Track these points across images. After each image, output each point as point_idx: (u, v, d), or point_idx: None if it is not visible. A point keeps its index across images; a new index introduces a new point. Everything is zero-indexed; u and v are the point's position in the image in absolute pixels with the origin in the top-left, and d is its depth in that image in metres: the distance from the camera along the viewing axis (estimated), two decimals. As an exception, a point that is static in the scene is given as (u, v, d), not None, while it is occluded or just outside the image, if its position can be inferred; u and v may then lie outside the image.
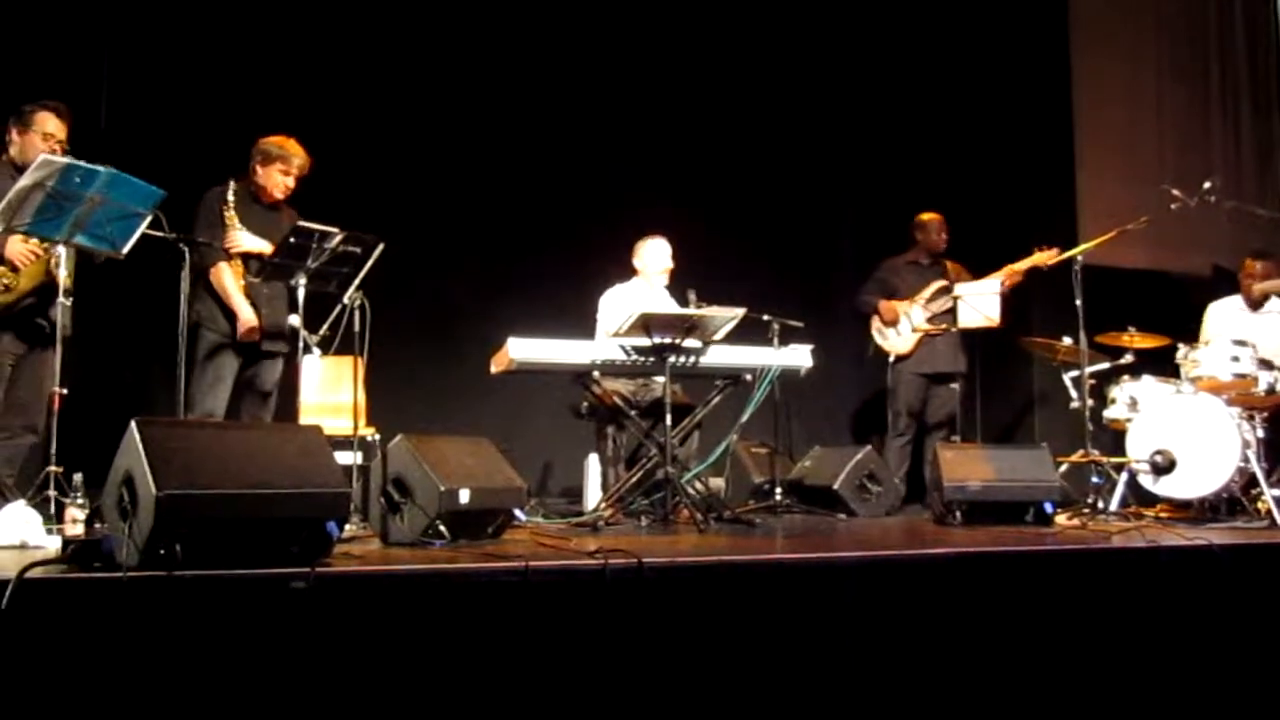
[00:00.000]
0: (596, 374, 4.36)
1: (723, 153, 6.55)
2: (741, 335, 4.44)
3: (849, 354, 5.97)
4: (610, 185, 6.19)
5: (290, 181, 4.32)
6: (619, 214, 5.83)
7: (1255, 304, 5.53)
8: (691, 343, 4.32)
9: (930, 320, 5.65)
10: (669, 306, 4.90)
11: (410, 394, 5.62)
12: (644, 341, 4.24)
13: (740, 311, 4.26)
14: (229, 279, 4.19)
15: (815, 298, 5.92)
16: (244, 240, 4.20)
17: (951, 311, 5.60)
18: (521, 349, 4.16)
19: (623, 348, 4.28)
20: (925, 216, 5.83)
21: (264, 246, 4.18)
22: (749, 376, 4.46)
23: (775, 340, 4.63)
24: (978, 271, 5.65)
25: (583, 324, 4.98)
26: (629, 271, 5.11)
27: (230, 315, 4.22)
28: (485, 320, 5.18)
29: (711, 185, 6.45)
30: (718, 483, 5.08)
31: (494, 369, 4.34)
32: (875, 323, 5.78)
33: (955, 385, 5.69)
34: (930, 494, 4.72)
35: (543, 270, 5.91)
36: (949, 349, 5.68)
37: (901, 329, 5.69)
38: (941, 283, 5.69)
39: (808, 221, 6.79)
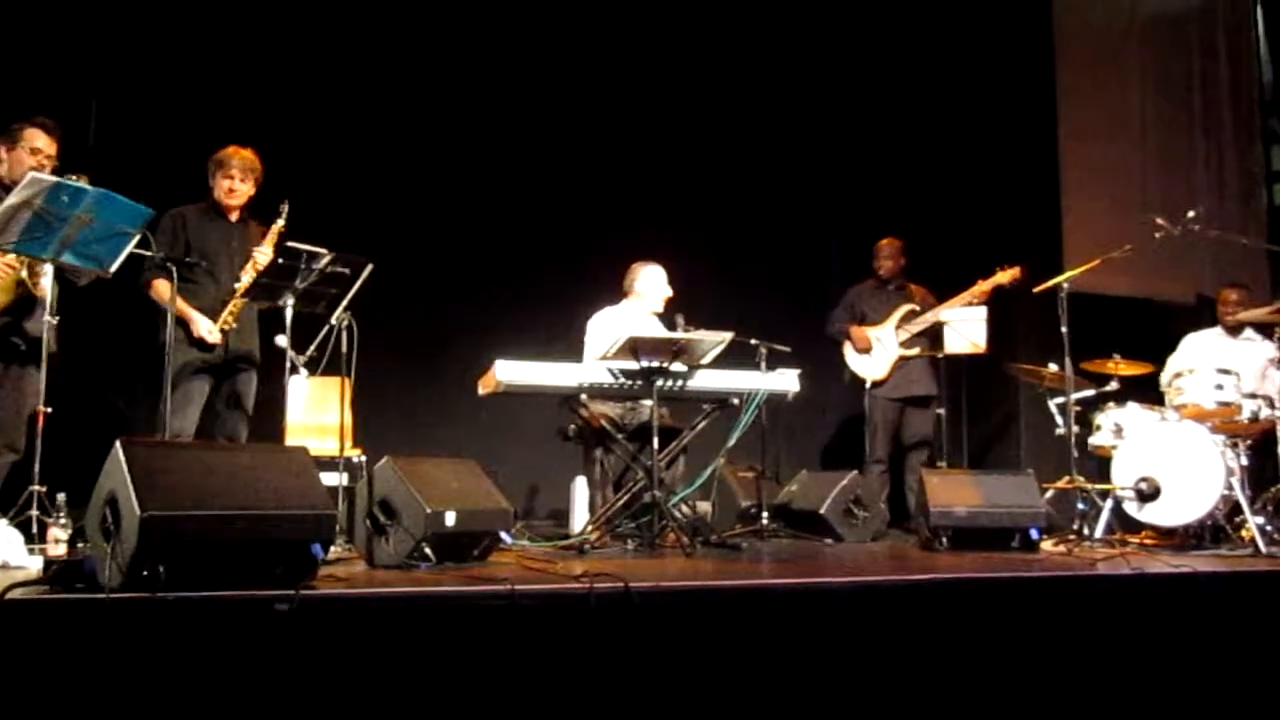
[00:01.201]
0: (584, 397, 4.36)
1: (711, 176, 6.59)
2: (729, 359, 4.45)
3: (837, 378, 5.98)
4: (599, 208, 6.21)
5: (237, 185, 4.29)
6: (607, 237, 5.85)
7: (1233, 331, 5.60)
8: (679, 366, 4.33)
9: (905, 344, 5.70)
10: (657, 330, 4.91)
11: (397, 415, 5.62)
12: (631, 365, 4.25)
13: (728, 336, 4.28)
14: (168, 290, 4.01)
15: (803, 322, 5.95)
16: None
17: (925, 334, 5.67)
18: (509, 371, 4.17)
19: (610, 371, 4.29)
20: (882, 242, 5.93)
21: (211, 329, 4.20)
22: (736, 400, 4.46)
23: (763, 364, 4.65)
24: (942, 294, 5.71)
25: (570, 347, 4.99)
26: (618, 294, 5.13)
27: (190, 330, 4.19)
28: (473, 342, 5.18)
29: (700, 208, 6.47)
30: (705, 506, 5.09)
31: (481, 391, 4.34)
32: (848, 349, 5.83)
33: (932, 409, 5.73)
34: (916, 519, 4.72)
35: (531, 293, 5.91)
36: (922, 373, 5.74)
37: (875, 354, 5.74)
38: (909, 306, 5.76)
39: (796, 245, 6.82)
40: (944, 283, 5.85)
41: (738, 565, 3.57)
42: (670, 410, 4.84)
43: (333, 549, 3.32)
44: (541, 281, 5.96)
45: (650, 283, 5.05)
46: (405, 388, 5.73)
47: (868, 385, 5.72)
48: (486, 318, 5.79)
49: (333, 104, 5.72)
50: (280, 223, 4.23)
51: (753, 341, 4.70)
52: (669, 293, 5.04)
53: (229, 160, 4.29)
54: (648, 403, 4.43)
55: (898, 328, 5.72)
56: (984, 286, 5.52)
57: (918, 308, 5.76)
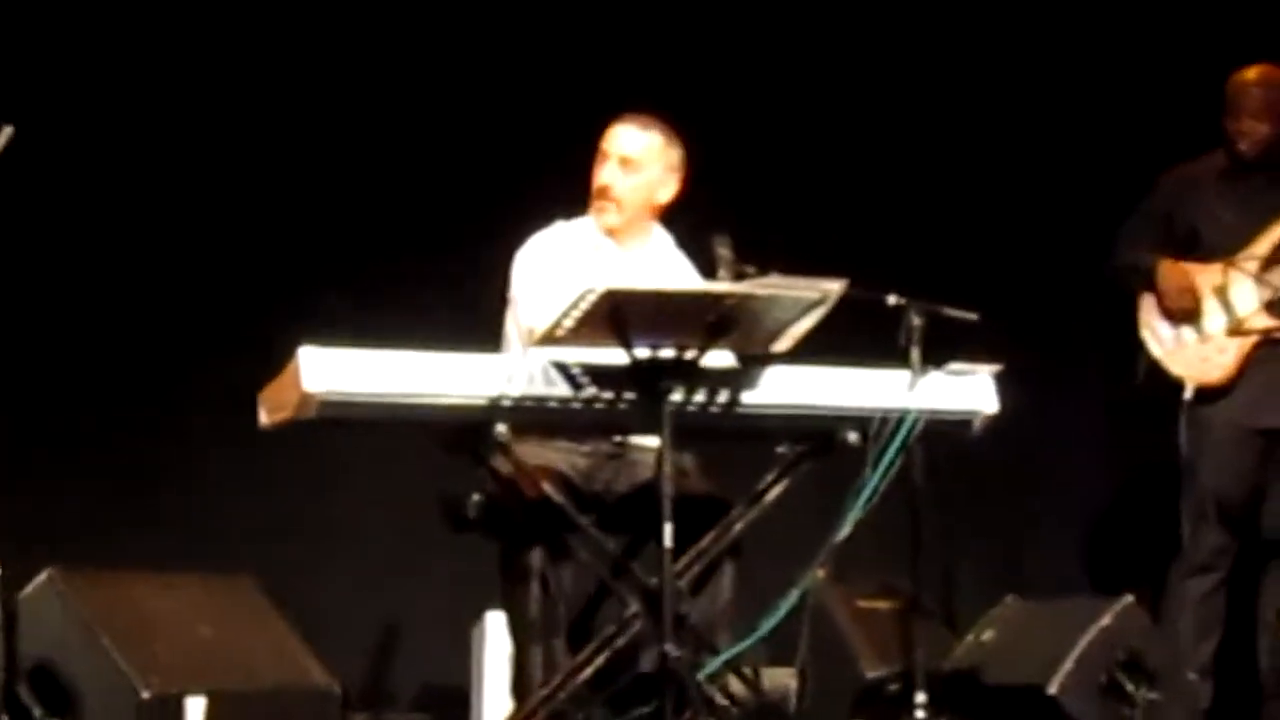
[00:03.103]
0: (503, 428, 4.34)
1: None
2: (835, 343, 4.47)
3: (1086, 384, 6.02)
4: (545, 38, 6.44)
5: None
6: (566, 99, 6.07)
7: None
8: (718, 357, 4.36)
9: (1273, 308, 5.68)
10: (669, 274, 4.94)
11: (73, 476, 5.66)
12: (612, 356, 4.26)
13: (834, 287, 4.28)
14: None
15: (1008, 266, 6.00)
16: None
17: None
18: (329, 370, 4.12)
19: (564, 371, 4.29)
20: (1245, 75, 5.86)
21: None
22: (853, 436, 4.49)
23: (915, 352, 4.64)
24: None
25: (472, 322, 5.06)
26: (579, 204, 5.15)
27: None
28: (249, 313, 5.32)
29: (771, 43, 6.59)
30: (783, 679, 5.09)
31: (267, 417, 4.32)
32: (1148, 310, 5.83)
33: None
34: (1274, 703, 4.71)
35: (393, 209, 6.12)
36: None
37: (1209, 325, 5.72)
38: None
39: (992, 109, 6.89)
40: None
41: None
42: (701, 460, 4.86)
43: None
44: (417, 189, 6.17)
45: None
46: (90, 410, 5.81)
47: (1187, 394, 5.70)
48: (283, 260, 5.95)
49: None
50: None
51: (893, 300, 4.68)
52: (653, 175, 5.02)
53: None
54: (648, 442, 4.50)
55: (1264, 269, 5.71)
56: None
57: None
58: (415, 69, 6.52)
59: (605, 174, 4.95)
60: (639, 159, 4.93)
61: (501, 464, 4.45)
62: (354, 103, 6.39)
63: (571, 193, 5.15)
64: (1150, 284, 5.75)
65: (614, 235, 4.99)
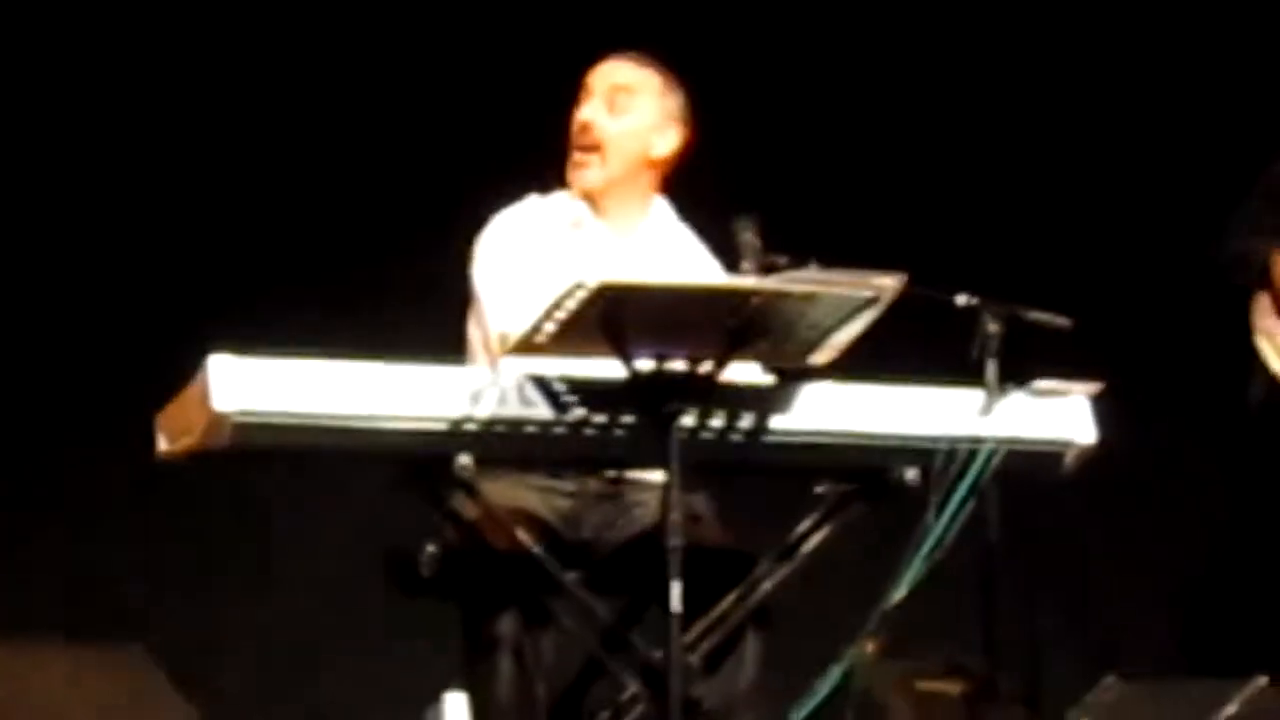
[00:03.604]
0: (466, 459, 4.29)
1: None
2: (893, 355, 4.49)
3: (1191, 404, 6.10)
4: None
5: None
6: (547, 62, 6.12)
7: None
8: (743, 371, 4.34)
9: None
10: (680, 261, 4.93)
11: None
12: (607, 369, 4.23)
13: (889, 283, 4.23)
14: None
15: (1105, 258, 6.04)
16: None
17: None
18: (245, 384, 4.07)
19: (543, 385, 4.24)
20: None
21: None
22: (912, 473, 4.44)
23: (989, 366, 4.61)
24: None
25: (427, 326, 5.12)
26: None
27: None
28: (147, 321, 5.41)
29: None
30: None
31: (167, 445, 4.29)
32: (1264, 312, 5.83)
33: None
34: None
35: (323, 188, 6.29)
36: None
37: None
38: None
39: (1080, 74, 7.03)
40: None
41: None
42: (719, 503, 4.84)
43: None
44: (352, 168, 6.37)
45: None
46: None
47: None
48: (184, 254, 6.10)
49: None
50: None
51: (963, 301, 4.70)
52: (648, 118, 5.05)
53: None
54: (651, 478, 4.48)
55: None
56: None
57: None
58: (364, 37, 6.71)
59: (587, 110, 4.99)
60: (631, 88, 4.99)
61: (464, 506, 4.40)
62: (275, 75, 6.60)
63: (548, 170, 5.19)
64: (1265, 280, 5.77)
65: (600, 206, 5.00)
